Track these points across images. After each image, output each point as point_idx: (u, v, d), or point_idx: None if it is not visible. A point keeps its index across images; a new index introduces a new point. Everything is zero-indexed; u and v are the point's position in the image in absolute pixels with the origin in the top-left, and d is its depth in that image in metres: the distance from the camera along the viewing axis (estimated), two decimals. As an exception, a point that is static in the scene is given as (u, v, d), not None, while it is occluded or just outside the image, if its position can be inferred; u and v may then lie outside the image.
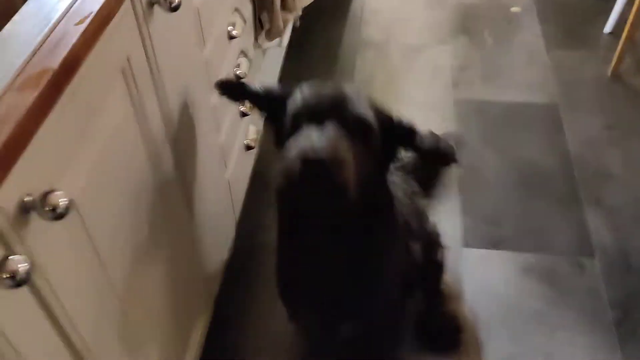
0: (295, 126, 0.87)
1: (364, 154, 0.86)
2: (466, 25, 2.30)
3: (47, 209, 0.58)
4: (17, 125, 0.55)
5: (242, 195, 1.52)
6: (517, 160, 1.80)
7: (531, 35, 2.24)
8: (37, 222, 0.60)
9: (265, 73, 1.65)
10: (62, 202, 0.59)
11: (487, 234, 1.61)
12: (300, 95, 0.90)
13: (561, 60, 2.13)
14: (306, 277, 1.02)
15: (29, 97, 0.58)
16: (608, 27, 2.22)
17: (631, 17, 1.94)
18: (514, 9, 2.36)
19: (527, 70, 2.10)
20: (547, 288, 1.49)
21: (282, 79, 1.85)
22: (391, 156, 0.97)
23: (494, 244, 1.58)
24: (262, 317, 1.44)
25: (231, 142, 1.38)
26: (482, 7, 2.39)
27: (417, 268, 1.21)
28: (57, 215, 0.58)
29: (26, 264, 0.53)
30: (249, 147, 1.50)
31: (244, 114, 1.42)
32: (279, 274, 1.11)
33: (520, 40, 2.22)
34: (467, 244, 1.58)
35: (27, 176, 0.59)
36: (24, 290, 0.59)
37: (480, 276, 1.52)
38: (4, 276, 0.52)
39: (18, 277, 0.52)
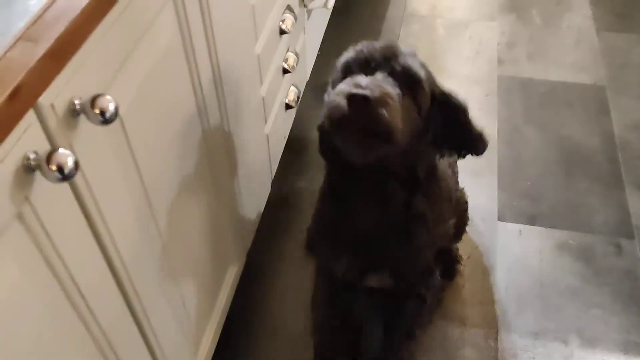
0: (344, 76, 0.86)
1: (411, 107, 0.85)
2: (515, 3, 2.25)
3: (96, 111, 0.58)
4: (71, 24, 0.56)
5: (278, 155, 1.52)
6: (559, 138, 1.76)
7: (580, 16, 2.18)
8: (84, 125, 0.61)
9: (308, 35, 1.64)
10: (111, 106, 0.59)
11: (523, 210, 1.58)
12: (352, 48, 0.90)
13: (610, 42, 2.07)
14: (347, 222, 1.01)
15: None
16: (661, 12, 2.15)
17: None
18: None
19: (574, 51, 2.05)
20: (582, 266, 1.46)
21: (324, 45, 1.84)
22: (440, 130, 0.92)
23: (530, 219, 1.56)
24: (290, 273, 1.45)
25: (272, 98, 1.38)
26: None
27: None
28: (105, 119, 0.59)
29: (73, 158, 0.53)
30: (288, 106, 1.50)
31: (285, 71, 1.42)
32: (317, 220, 1.11)
33: (569, 21, 2.17)
34: (503, 218, 1.56)
35: (78, 80, 0.60)
36: (67, 189, 0.60)
37: (515, 250, 1.49)
38: (53, 168, 0.53)
39: (66, 171, 0.53)
